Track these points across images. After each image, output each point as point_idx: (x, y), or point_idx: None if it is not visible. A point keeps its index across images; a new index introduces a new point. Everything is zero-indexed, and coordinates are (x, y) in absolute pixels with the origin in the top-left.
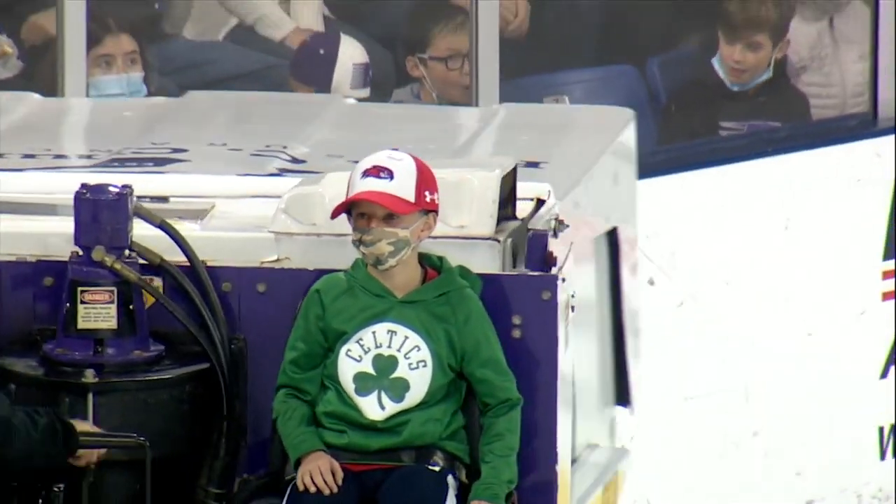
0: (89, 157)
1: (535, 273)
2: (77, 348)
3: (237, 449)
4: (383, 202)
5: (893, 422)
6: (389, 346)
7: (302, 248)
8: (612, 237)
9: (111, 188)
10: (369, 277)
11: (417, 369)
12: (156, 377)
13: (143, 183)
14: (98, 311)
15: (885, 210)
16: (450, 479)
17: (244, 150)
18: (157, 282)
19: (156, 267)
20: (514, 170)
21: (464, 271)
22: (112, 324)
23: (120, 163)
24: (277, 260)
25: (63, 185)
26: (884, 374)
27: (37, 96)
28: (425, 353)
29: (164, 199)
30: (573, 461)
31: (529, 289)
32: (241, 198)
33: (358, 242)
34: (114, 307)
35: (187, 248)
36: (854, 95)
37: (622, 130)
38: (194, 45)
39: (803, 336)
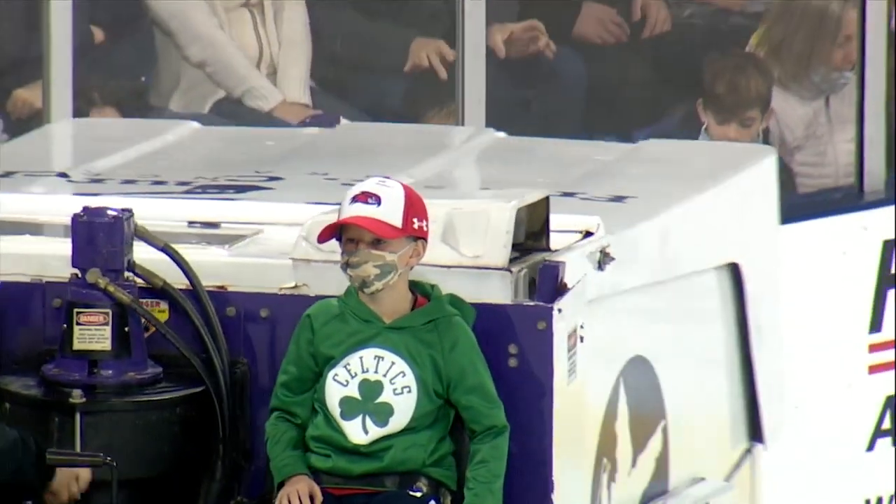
0: (186, 183)
1: (531, 303)
2: (73, 369)
3: (234, 471)
4: (369, 226)
5: (879, 494)
6: (376, 372)
7: (319, 275)
8: (735, 272)
9: (109, 211)
10: (359, 303)
11: (402, 395)
12: (145, 399)
13: (205, 209)
14: (92, 333)
15: (871, 283)
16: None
17: (340, 179)
18: (164, 305)
19: (159, 290)
20: (546, 201)
21: (455, 300)
22: (106, 345)
23: (203, 189)
24: (295, 286)
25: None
26: (870, 447)
27: (195, 125)
28: (410, 379)
29: (216, 225)
30: (663, 493)
31: (525, 319)
32: (295, 225)
33: (345, 265)
34: (108, 329)
35: (190, 273)
36: (846, 175)
37: (753, 166)
38: (180, 118)
39: (790, 409)
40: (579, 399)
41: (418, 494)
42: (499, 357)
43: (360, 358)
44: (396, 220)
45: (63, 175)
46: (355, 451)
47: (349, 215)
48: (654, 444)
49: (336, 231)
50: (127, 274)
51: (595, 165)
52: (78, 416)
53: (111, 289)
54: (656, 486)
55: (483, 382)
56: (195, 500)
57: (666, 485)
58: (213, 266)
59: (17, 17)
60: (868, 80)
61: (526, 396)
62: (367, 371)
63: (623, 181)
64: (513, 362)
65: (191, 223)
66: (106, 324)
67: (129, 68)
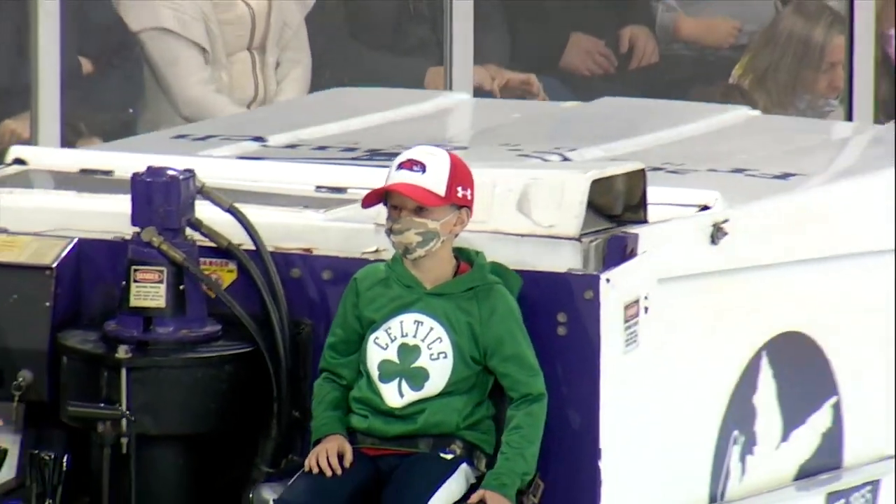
0: (351, 149)
1: (579, 272)
2: (129, 325)
3: (291, 431)
4: (412, 194)
5: None
6: (415, 336)
7: None
8: None
9: (169, 172)
10: (403, 269)
11: (438, 360)
12: (192, 356)
13: (352, 175)
14: (148, 290)
15: None
16: (464, 467)
17: (526, 150)
18: (233, 265)
19: (224, 250)
20: (642, 173)
21: (499, 268)
22: (161, 303)
23: (371, 156)
24: (376, 251)
25: (274, 175)
26: None
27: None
28: (447, 345)
29: (342, 191)
30: (835, 468)
31: (573, 287)
32: None
33: (389, 231)
34: (163, 287)
35: (253, 233)
36: None
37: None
38: None
39: None
40: (647, 369)
41: (449, 457)
42: (548, 325)
43: (401, 322)
44: (440, 189)
45: (258, 139)
46: (390, 414)
47: (394, 182)
48: (820, 421)
49: (381, 197)
50: (192, 233)
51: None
52: (124, 372)
53: (164, 247)
54: (824, 461)
55: (520, 351)
56: (251, 457)
57: (839, 460)
58: (303, 229)
59: (6, 46)
60: (856, 108)
61: (574, 364)
62: (407, 335)
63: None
64: (561, 331)
65: (318, 188)
66: (161, 282)
67: (116, 100)
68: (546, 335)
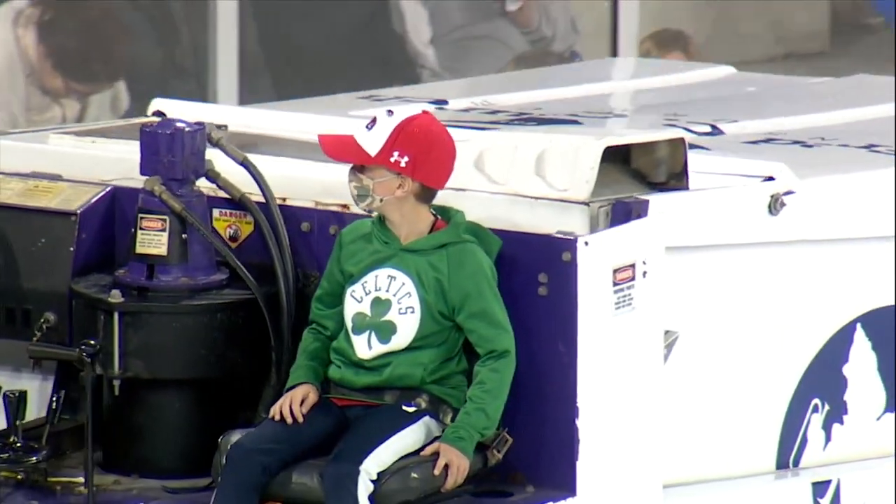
0: (522, 115)
1: (559, 235)
2: (136, 272)
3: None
4: (329, 147)
5: None
6: (387, 291)
7: (435, 199)
8: None
9: (177, 124)
10: (382, 225)
11: (406, 314)
12: (183, 303)
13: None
14: (151, 238)
15: None
16: (427, 420)
17: (679, 122)
18: (250, 217)
19: (236, 201)
20: (682, 142)
21: (478, 229)
22: (162, 250)
23: (525, 122)
24: None
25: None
26: None
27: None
28: (415, 300)
29: None
30: None
31: (552, 249)
32: None
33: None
34: (165, 235)
35: (264, 186)
36: None
37: None
38: None
39: None
40: (647, 331)
41: (411, 409)
42: (530, 285)
43: (376, 276)
44: (372, 149)
45: (439, 103)
46: (360, 365)
47: (338, 134)
48: None
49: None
50: (209, 185)
51: None
52: (116, 316)
53: (165, 196)
54: None
55: (487, 307)
56: (251, 404)
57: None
58: (337, 185)
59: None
60: None
61: (553, 324)
62: (380, 290)
63: None
64: (542, 291)
65: None
66: (163, 230)
67: None
68: (528, 295)
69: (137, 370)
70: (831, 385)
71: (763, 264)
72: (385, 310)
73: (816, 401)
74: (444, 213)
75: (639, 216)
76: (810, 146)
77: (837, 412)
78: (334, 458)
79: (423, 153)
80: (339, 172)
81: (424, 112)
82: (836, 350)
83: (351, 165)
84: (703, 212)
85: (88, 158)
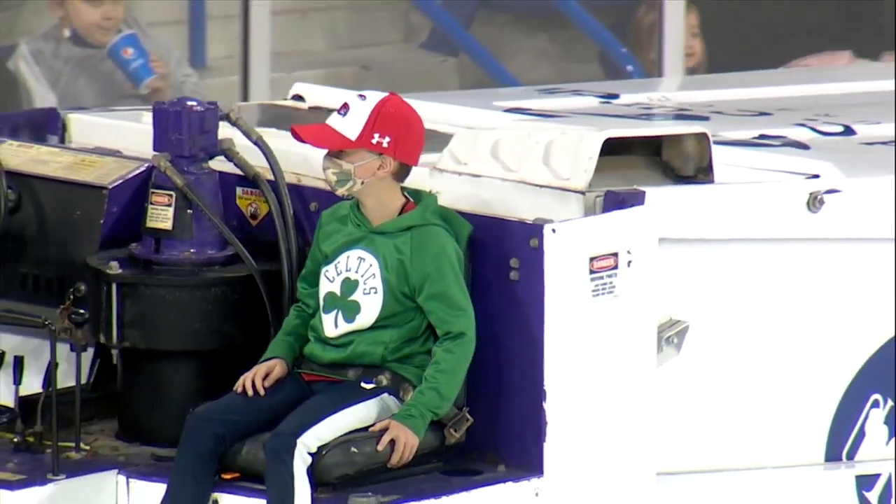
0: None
1: (529, 221)
2: (146, 246)
3: None
4: (309, 136)
5: None
6: (356, 272)
7: (452, 185)
8: None
9: (188, 102)
10: (356, 208)
11: (369, 295)
12: (178, 277)
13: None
14: (159, 213)
15: None
16: (385, 397)
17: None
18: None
19: (251, 179)
20: (705, 137)
21: (448, 213)
22: (168, 224)
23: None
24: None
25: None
26: None
27: None
28: (378, 281)
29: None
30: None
31: (522, 235)
32: None
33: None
34: (171, 210)
35: (275, 165)
36: None
37: None
38: None
39: None
40: (631, 319)
41: (369, 386)
42: (502, 270)
43: (347, 257)
44: (352, 133)
45: (607, 97)
46: (327, 342)
47: (312, 124)
48: None
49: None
50: (226, 163)
51: None
52: (114, 287)
53: (169, 172)
54: None
55: (446, 290)
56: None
57: None
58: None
59: None
60: None
61: (523, 308)
62: (350, 270)
63: None
64: (514, 275)
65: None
66: (169, 205)
67: None
68: (501, 280)
69: (134, 340)
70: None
71: (815, 260)
72: (352, 290)
73: (876, 396)
74: (416, 196)
75: (632, 206)
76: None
77: None
78: (276, 431)
79: (403, 132)
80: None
81: (392, 94)
82: None
83: (326, 152)
84: (746, 205)
85: (147, 135)
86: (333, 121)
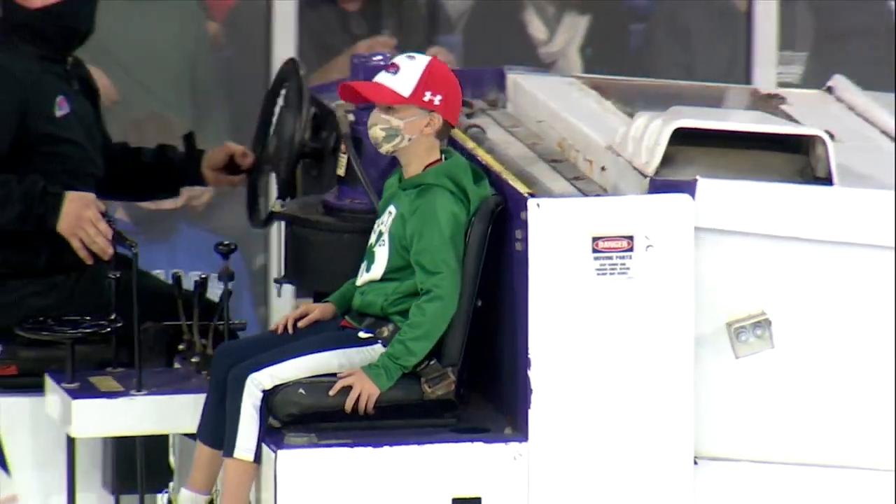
0: None
1: (526, 195)
2: (339, 191)
3: None
4: (369, 92)
5: None
6: (384, 224)
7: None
8: None
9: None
10: (400, 166)
11: (382, 246)
12: (318, 220)
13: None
14: (341, 161)
15: None
16: (378, 347)
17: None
18: None
19: None
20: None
21: (464, 176)
22: (342, 171)
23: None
24: None
25: None
26: None
27: None
28: (387, 235)
29: None
30: None
31: (519, 208)
32: None
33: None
34: (344, 158)
35: None
36: None
37: None
38: None
39: None
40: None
41: (365, 335)
42: (510, 239)
43: (387, 212)
44: (405, 90)
45: None
46: (358, 290)
47: (366, 81)
48: None
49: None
50: None
51: None
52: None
53: (341, 121)
54: None
55: (429, 249)
56: None
57: None
58: None
59: None
60: None
61: (520, 278)
62: (384, 223)
63: None
64: (518, 246)
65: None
66: (345, 153)
67: None
68: (510, 249)
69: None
70: None
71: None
72: (377, 241)
73: None
74: (449, 157)
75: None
76: None
77: None
78: (241, 365)
79: (452, 92)
80: None
81: (435, 56)
82: None
83: (374, 109)
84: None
85: None
86: (384, 78)
